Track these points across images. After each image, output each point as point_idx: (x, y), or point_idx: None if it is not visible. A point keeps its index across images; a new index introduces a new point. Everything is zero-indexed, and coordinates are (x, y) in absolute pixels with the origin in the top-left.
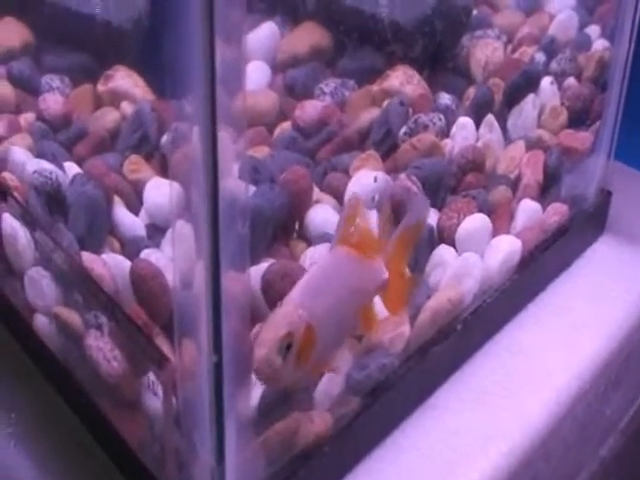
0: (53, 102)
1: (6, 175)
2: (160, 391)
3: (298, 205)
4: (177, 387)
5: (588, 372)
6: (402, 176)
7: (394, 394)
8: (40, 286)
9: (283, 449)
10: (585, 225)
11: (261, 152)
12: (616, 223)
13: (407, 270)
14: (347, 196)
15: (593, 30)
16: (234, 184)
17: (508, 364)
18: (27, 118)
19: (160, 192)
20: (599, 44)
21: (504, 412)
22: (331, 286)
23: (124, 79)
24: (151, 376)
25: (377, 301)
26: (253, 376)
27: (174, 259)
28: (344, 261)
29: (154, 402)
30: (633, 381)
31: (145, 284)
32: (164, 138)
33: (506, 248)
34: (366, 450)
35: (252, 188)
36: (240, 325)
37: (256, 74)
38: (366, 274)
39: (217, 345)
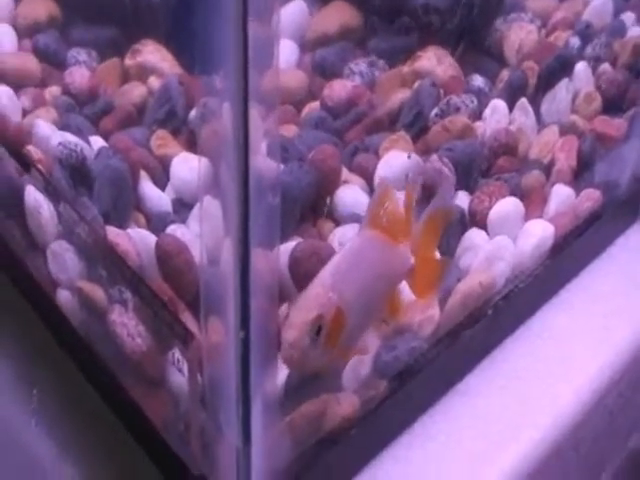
0: (79, 76)
1: (30, 148)
2: (185, 368)
3: (326, 185)
4: (203, 365)
5: (620, 361)
6: (434, 157)
7: (423, 378)
8: (63, 260)
9: (310, 431)
10: (618, 212)
11: (289, 131)
12: None
13: (436, 254)
14: (377, 177)
15: (628, 17)
16: (264, 161)
17: (539, 350)
18: (52, 92)
19: (187, 167)
20: (635, 31)
21: (534, 399)
22: (360, 269)
23: (152, 53)
24: (176, 353)
25: (405, 286)
26: (280, 360)
27: (201, 235)
28: (372, 245)
29: (179, 379)
30: None
31: (171, 260)
32: (192, 113)
33: (539, 233)
34: (393, 435)
35: (280, 166)
36: (268, 303)
37: (284, 53)
38: (393, 260)
39: (245, 321)
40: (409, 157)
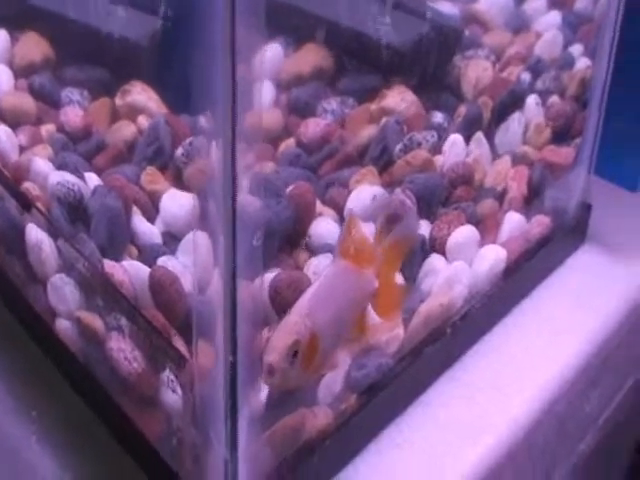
0: (73, 115)
1: (28, 185)
2: (178, 389)
3: (303, 218)
4: (194, 385)
5: (568, 372)
6: (397, 190)
7: (390, 391)
8: (63, 292)
9: (290, 441)
10: (566, 236)
11: (267, 168)
12: (596, 234)
13: (398, 278)
14: (346, 210)
15: (576, 49)
16: (249, 198)
17: (495, 364)
18: (48, 129)
19: (175, 203)
20: (582, 62)
21: (491, 408)
22: (333, 297)
23: (140, 94)
24: (170, 375)
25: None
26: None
27: (192, 266)
28: (343, 273)
29: (172, 399)
30: (610, 382)
31: (163, 289)
32: (178, 151)
33: (492, 257)
34: (364, 443)
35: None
36: (252, 329)
37: (263, 92)
38: (360, 284)
39: (233, 347)
40: (374, 199)
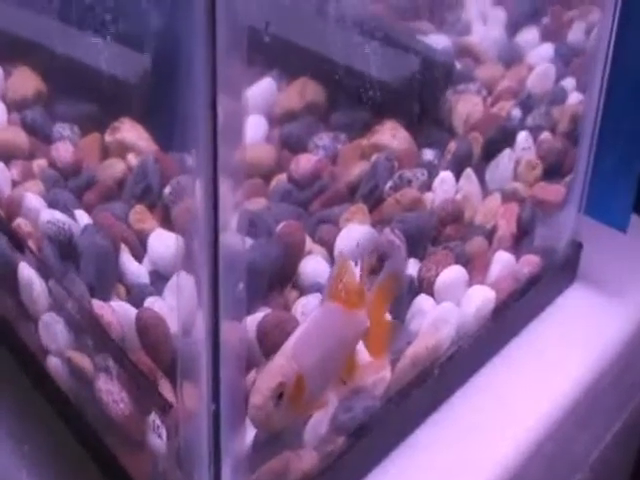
0: (64, 150)
1: (20, 222)
2: (164, 433)
3: (292, 256)
4: (179, 429)
5: (557, 413)
6: (386, 230)
7: (376, 434)
8: (54, 330)
9: None
10: (557, 274)
11: (259, 204)
12: (586, 273)
13: (387, 318)
14: (336, 249)
15: (569, 82)
16: (233, 238)
17: (482, 405)
18: (40, 164)
19: (163, 243)
20: (574, 97)
21: (478, 450)
22: (321, 338)
23: (130, 131)
24: (155, 419)
25: (360, 348)
26: (248, 420)
27: (177, 308)
28: (333, 316)
29: (158, 442)
30: (600, 422)
31: (149, 331)
32: (166, 189)
33: (480, 297)
34: None
35: (249, 241)
36: (237, 373)
37: (255, 127)
38: (350, 325)
39: (215, 394)
40: (357, 246)
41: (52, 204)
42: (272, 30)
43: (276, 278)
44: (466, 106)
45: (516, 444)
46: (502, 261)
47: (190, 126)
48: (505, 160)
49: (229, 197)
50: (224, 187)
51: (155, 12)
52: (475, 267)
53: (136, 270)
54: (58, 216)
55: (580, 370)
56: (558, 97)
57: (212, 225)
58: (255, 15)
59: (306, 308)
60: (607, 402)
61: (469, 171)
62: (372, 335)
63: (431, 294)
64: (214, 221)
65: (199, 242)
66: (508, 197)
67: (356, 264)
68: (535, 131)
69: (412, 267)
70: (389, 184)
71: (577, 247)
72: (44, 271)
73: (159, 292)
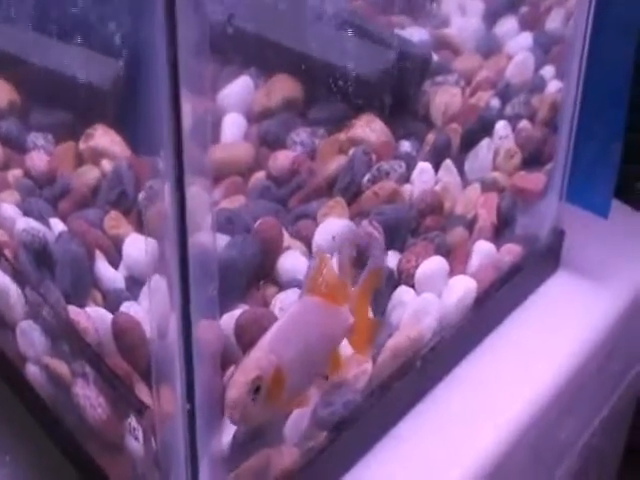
0: (39, 160)
1: None
2: (140, 435)
3: (270, 253)
4: (156, 431)
5: (541, 402)
6: (364, 222)
7: (358, 428)
8: (31, 337)
9: None
10: (539, 263)
11: (237, 201)
12: (569, 260)
13: (371, 313)
14: (314, 244)
15: (548, 71)
16: (204, 238)
17: (466, 395)
18: (15, 174)
19: (137, 247)
20: (553, 85)
21: (462, 440)
22: (300, 332)
23: (103, 137)
24: (132, 421)
25: (344, 344)
26: (226, 419)
27: (151, 311)
28: (313, 309)
29: (135, 445)
30: (587, 409)
31: (125, 336)
32: (141, 194)
33: (462, 288)
34: None
35: (227, 238)
36: (212, 372)
37: (233, 125)
38: (334, 320)
39: (190, 394)
40: (333, 239)
41: (27, 213)
42: (249, 28)
43: (254, 275)
44: (444, 97)
45: (500, 433)
46: (483, 251)
47: (157, 128)
48: (484, 150)
49: (201, 197)
50: (195, 188)
51: (123, 15)
52: (456, 257)
53: (112, 276)
54: (33, 224)
55: (565, 357)
56: (537, 86)
57: (180, 226)
58: (228, 12)
59: (284, 303)
60: (593, 389)
61: (448, 162)
62: (357, 332)
63: (412, 285)
64: (182, 222)
65: (170, 244)
66: (488, 187)
67: (332, 257)
68: (514, 120)
69: (392, 259)
70: (367, 177)
71: (559, 235)
72: (20, 279)
73: (135, 297)
